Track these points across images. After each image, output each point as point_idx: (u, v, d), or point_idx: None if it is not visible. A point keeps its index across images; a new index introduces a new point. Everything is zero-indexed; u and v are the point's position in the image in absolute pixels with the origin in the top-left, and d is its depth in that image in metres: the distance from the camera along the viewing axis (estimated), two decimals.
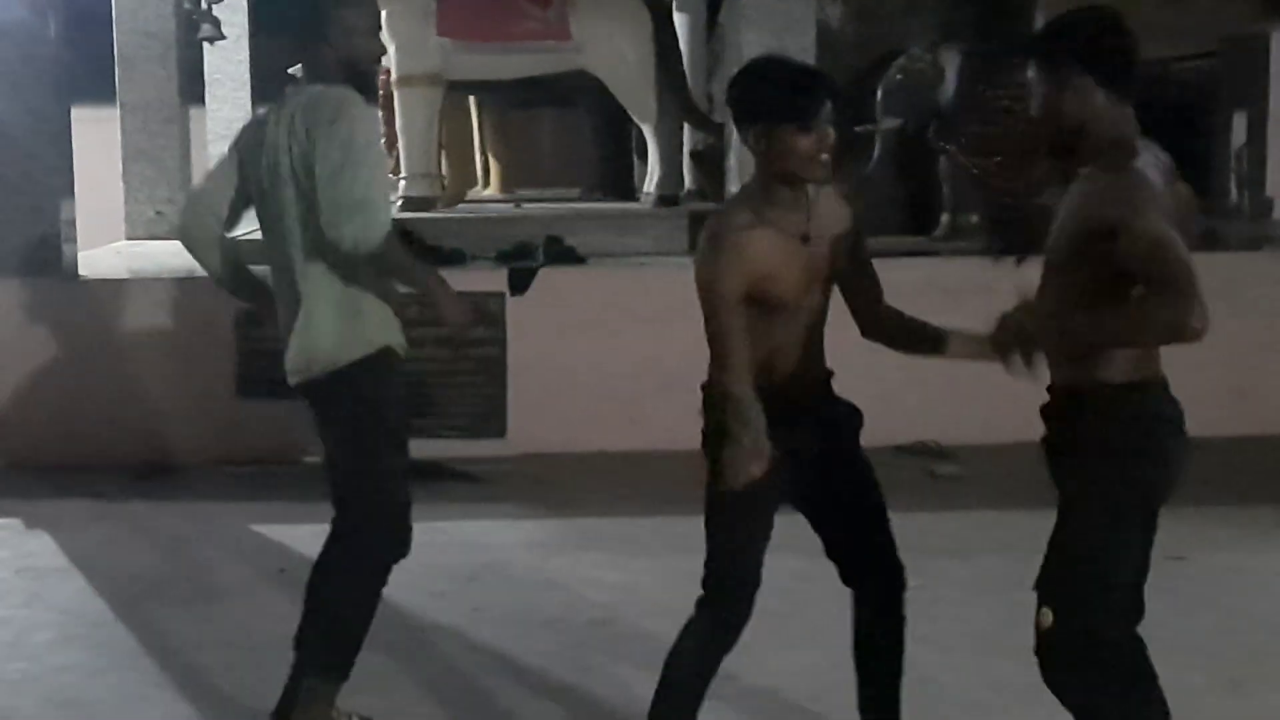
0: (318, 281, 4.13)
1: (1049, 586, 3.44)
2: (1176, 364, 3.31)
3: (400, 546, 4.27)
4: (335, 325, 4.14)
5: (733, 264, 3.58)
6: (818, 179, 3.66)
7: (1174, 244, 3.13)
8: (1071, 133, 3.42)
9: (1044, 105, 3.44)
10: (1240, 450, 7.53)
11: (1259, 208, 11.04)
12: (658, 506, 6.82)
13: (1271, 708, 4.56)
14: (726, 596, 3.80)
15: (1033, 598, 3.40)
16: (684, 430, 7.91)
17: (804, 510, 3.86)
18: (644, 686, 4.18)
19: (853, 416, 3.88)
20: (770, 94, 3.64)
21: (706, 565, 3.80)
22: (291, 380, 4.24)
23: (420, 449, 7.62)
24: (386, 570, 4.27)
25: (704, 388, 3.75)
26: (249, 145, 4.27)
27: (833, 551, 3.91)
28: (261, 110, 4.50)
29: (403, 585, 5.50)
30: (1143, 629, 3.50)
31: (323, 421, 4.29)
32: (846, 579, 3.93)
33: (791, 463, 3.64)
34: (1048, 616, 3.40)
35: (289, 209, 4.14)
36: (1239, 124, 11.61)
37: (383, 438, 4.25)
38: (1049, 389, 3.51)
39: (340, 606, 4.23)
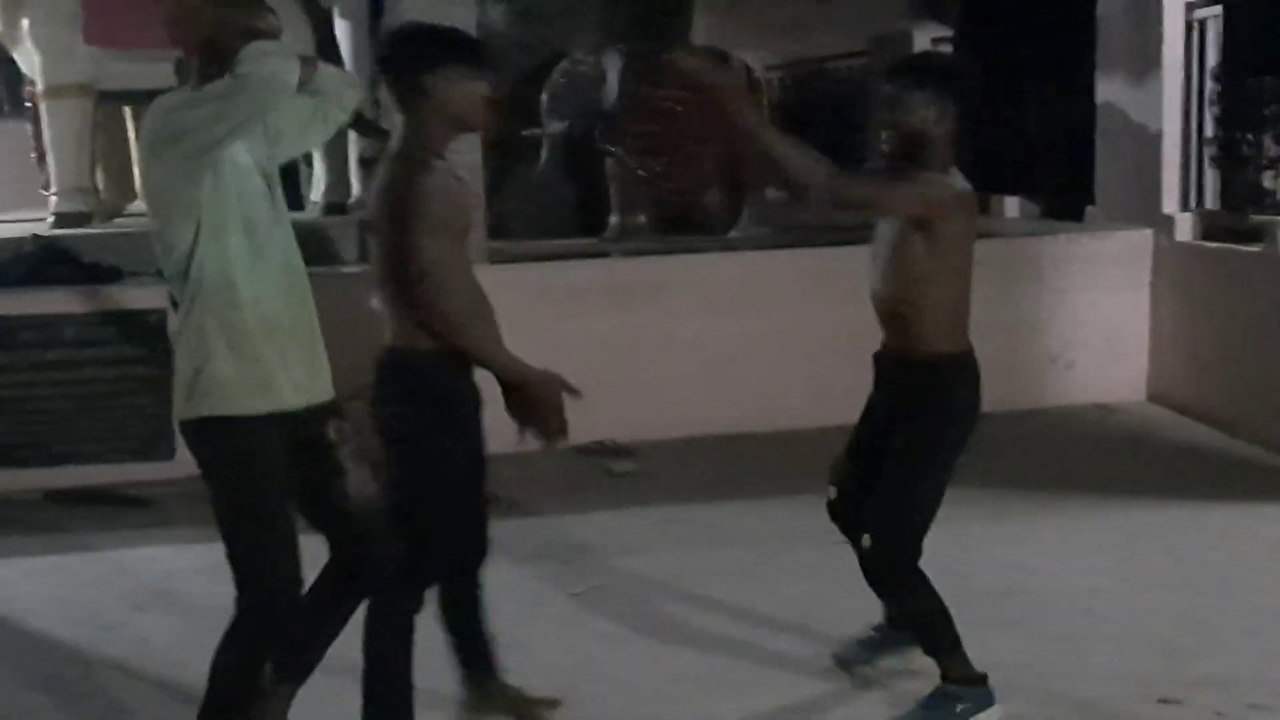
0: None
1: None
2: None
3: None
4: None
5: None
6: (486, 126, 3.85)
7: None
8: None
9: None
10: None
11: None
12: None
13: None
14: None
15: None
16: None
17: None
18: (331, 705, 4.11)
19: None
20: (441, 44, 3.75)
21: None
22: None
23: (87, 475, 7.42)
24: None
25: None
26: None
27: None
28: None
29: (70, 620, 5.27)
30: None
31: None
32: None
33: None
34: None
35: None
36: None
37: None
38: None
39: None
